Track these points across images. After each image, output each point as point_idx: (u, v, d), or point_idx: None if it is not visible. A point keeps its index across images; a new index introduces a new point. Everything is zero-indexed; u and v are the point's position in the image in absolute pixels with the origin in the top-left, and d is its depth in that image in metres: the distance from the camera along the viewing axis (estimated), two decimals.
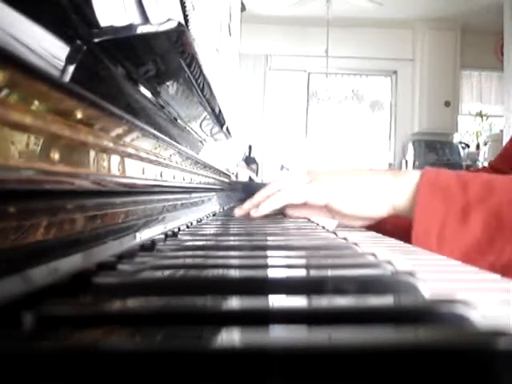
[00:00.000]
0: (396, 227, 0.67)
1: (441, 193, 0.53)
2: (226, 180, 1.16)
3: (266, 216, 0.63)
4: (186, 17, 0.53)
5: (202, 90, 0.51)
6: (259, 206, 0.62)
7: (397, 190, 0.57)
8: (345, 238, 0.39)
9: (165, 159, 0.44)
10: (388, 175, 0.59)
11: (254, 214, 0.62)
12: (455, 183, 0.53)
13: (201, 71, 0.45)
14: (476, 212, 0.50)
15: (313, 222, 0.62)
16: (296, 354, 0.11)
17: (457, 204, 0.51)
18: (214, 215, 0.75)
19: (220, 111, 0.66)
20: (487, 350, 0.11)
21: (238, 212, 0.65)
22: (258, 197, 0.64)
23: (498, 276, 0.28)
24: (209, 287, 0.20)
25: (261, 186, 0.74)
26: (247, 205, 0.64)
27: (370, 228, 0.65)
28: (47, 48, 0.20)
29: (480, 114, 4.81)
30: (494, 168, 0.82)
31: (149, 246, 0.32)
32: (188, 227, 0.49)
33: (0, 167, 0.17)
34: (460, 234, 0.50)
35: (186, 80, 0.44)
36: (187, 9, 0.53)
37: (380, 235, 0.54)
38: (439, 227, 0.51)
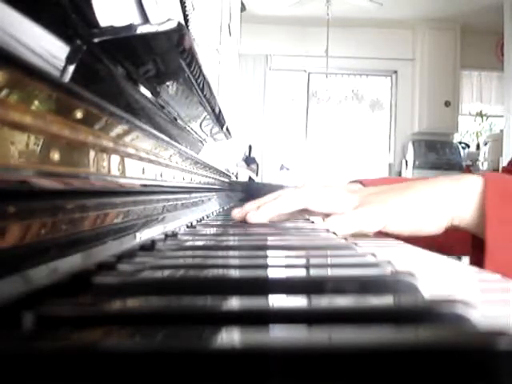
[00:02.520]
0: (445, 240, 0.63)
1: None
2: (226, 180, 1.16)
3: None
4: (186, 17, 0.53)
5: (202, 90, 0.51)
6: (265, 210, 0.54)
7: (458, 202, 0.49)
8: (345, 238, 0.39)
9: (165, 159, 0.44)
10: (445, 183, 0.51)
11: (252, 217, 0.54)
12: None
13: (201, 71, 0.45)
14: None
15: (313, 221, 0.62)
16: (296, 354, 0.11)
17: None
18: (214, 215, 0.75)
19: (220, 111, 0.66)
20: (487, 349, 0.11)
21: (236, 214, 0.58)
22: (269, 199, 0.56)
23: (498, 276, 0.28)
24: (209, 287, 0.20)
25: (261, 186, 0.70)
26: (250, 205, 0.57)
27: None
28: (47, 48, 0.20)
29: (480, 114, 4.81)
30: None
31: (149, 246, 0.32)
32: (188, 227, 0.49)
33: (0, 167, 0.17)
34: None
35: (186, 80, 0.44)
36: (187, 9, 0.53)
37: (379, 235, 0.54)
38: None
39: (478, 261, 0.46)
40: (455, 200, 0.49)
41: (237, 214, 0.57)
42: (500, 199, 0.46)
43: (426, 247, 0.55)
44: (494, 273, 0.35)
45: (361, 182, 0.66)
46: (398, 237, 0.51)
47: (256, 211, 0.55)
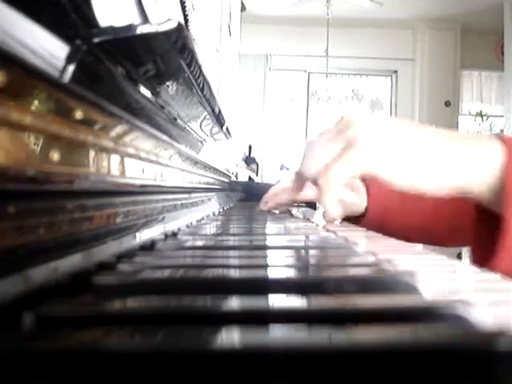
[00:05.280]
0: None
1: None
2: (226, 180, 1.16)
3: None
4: (186, 17, 0.53)
5: (202, 90, 0.51)
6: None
7: (475, 168, 0.43)
8: (345, 238, 0.39)
9: (165, 159, 0.44)
10: (466, 145, 0.44)
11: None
12: None
13: (201, 71, 0.44)
14: None
15: (313, 221, 0.62)
16: (296, 354, 0.11)
17: None
18: (214, 215, 0.75)
19: (220, 111, 0.66)
20: (487, 349, 0.11)
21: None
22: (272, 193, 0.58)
23: (497, 276, 0.28)
24: (209, 287, 0.20)
25: (261, 185, 0.72)
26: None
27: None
28: (47, 48, 0.20)
29: (480, 114, 4.81)
30: None
31: (149, 246, 0.32)
32: (188, 227, 0.49)
33: (0, 167, 0.17)
34: None
35: (186, 80, 0.44)
36: (187, 9, 0.53)
37: (380, 235, 0.54)
38: None
39: (483, 251, 0.44)
40: (472, 163, 0.43)
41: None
42: None
43: (424, 239, 0.53)
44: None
45: None
46: (405, 226, 0.46)
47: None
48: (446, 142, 0.44)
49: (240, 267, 0.24)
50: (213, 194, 0.88)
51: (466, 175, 0.43)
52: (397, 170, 0.43)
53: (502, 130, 3.84)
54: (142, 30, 0.29)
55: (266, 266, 0.24)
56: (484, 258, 0.40)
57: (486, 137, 0.45)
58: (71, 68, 0.22)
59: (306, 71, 4.72)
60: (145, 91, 0.38)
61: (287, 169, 4.46)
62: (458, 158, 0.43)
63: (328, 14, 4.04)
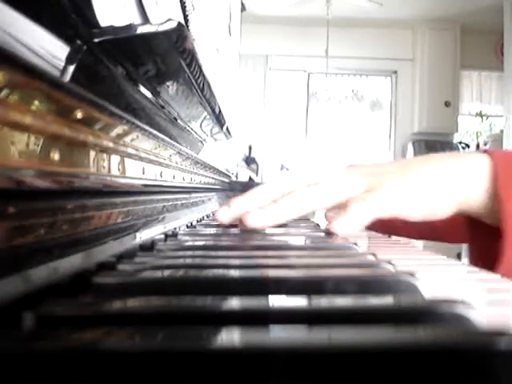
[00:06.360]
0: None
1: None
2: (226, 180, 1.16)
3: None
4: (186, 17, 0.53)
5: (202, 90, 0.51)
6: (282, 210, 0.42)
7: (466, 183, 0.44)
8: (345, 238, 0.39)
9: (165, 159, 0.44)
10: (451, 163, 0.45)
11: (254, 220, 0.41)
12: None
13: (201, 71, 0.44)
14: None
15: (312, 221, 0.62)
16: (296, 354, 0.11)
17: None
18: (214, 215, 0.75)
19: (220, 111, 0.66)
20: (487, 349, 0.11)
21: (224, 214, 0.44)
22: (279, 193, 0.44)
23: (497, 276, 0.28)
24: (209, 287, 0.20)
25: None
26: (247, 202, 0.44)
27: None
28: (47, 48, 0.20)
29: (480, 114, 4.80)
30: None
31: (149, 246, 0.32)
32: (188, 227, 0.49)
33: (0, 167, 0.17)
34: None
35: (185, 80, 0.44)
36: (187, 9, 0.53)
37: (380, 235, 0.54)
38: None
39: (479, 250, 0.45)
40: (463, 181, 0.44)
41: (226, 213, 0.44)
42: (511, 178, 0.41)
43: (426, 235, 0.53)
44: None
45: None
46: (406, 223, 0.46)
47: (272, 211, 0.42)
48: (435, 164, 0.45)
49: (240, 267, 0.24)
50: (213, 193, 0.88)
51: (465, 190, 0.44)
52: (411, 206, 0.44)
53: (501, 130, 3.84)
54: (142, 29, 0.29)
55: (265, 266, 0.24)
56: (482, 264, 0.40)
57: (473, 152, 0.46)
58: (71, 68, 0.22)
59: (305, 71, 4.72)
60: (145, 91, 0.38)
61: (287, 169, 4.45)
62: (452, 175, 0.44)
63: (328, 14, 4.04)
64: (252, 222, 0.42)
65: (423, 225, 0.47)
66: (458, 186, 0.44)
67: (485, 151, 0.45)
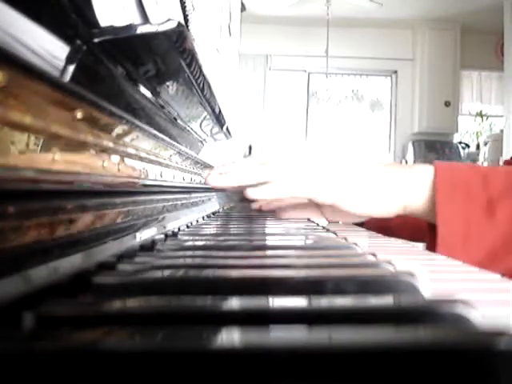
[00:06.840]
0: (401, 226, 0.66)
1: (461, 189, 0.48)
2: None
3: (263, 215, 0.59)
4: (186, 17, 0.53)
5: (202, 90, 0.51)
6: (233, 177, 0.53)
7: (410, 190, 0.51)
8: (345, 238, 0.39)
9: (165, 159, 0.44)
10: (398, 171, 0.53)
11: (215, 181, 0.53)
12: (475, 177, 0.48)
13: (201, 71, 0.44)
14: (502, 206, 0.46)
15: (313, 221, 0.62)
16: (296, 354, 0.11)
17: (480, 200, 0.47)
18: (214, 215, 0.75)
19: (220, 111, 0.66)
20: (487, 349, 0.11)
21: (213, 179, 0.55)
22: (238, 168, 0.55)
23: (498, 276, 0.28)
24: (209, 287, 0.20)
25: None
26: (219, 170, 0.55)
27: (371, 227, 0.65)
28: (47, 48, 0.20)
29: (480, 114, 4.81)
30: None
31: (149, 246, 0.32)
32: (188, 227, 0.49)
33: (0, 167, 0.17)
34: (486, 231, 0.46)
35: (185, 80, 0.44)
36: (187, 9, 0.53)
37: (380, 235, 0.54)
38: (464, 226, 0.47)
39: (433, 247, 0.48)
40: (407, 189, 0.52)
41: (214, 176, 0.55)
42: (450, 186, 0.48)
43: (379, 231, 0.58)
44: (446, 256, 0.37)
45: None
46: (346, 215, 0.55)
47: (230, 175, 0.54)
48: (384, 169, 0.54)
49: (240, 267, 0.24)
50: (213, 193, 0.88)
51: (409, 195, 0.52)
52: (351, 200, 0.53)
53: (501, 130, 3.84)
54: (142, 29, 0.29)
55: (265, 266, 0.24)
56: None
57: (421, 164, 0.54)
58: (71, 68, 0.22)
59: (305, 71, 4.72)
60: (145, 91, 0.38)
61: None
62: (397, 181, 0.52)
63: (328, 14, 4.04)
64: (211, 182, 0.54)
65: (380, 222, 0.56)
66: (402, 190, 0.52)
67: (431, 162, 0.52)
